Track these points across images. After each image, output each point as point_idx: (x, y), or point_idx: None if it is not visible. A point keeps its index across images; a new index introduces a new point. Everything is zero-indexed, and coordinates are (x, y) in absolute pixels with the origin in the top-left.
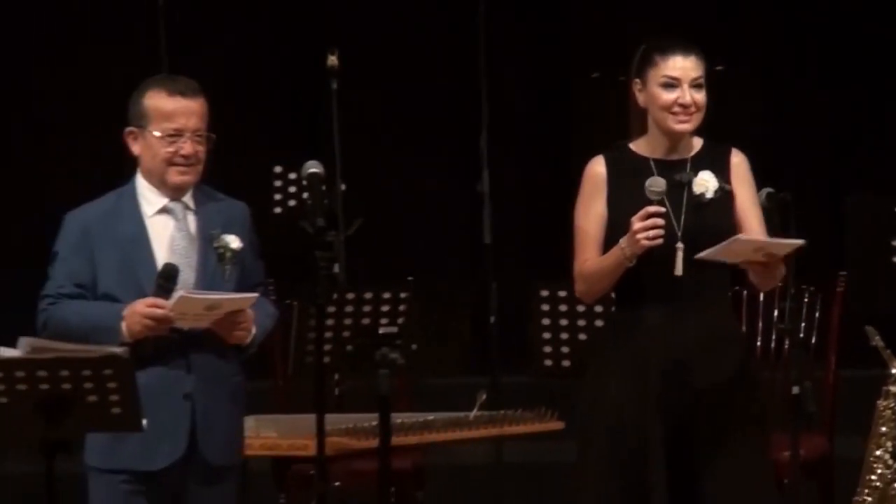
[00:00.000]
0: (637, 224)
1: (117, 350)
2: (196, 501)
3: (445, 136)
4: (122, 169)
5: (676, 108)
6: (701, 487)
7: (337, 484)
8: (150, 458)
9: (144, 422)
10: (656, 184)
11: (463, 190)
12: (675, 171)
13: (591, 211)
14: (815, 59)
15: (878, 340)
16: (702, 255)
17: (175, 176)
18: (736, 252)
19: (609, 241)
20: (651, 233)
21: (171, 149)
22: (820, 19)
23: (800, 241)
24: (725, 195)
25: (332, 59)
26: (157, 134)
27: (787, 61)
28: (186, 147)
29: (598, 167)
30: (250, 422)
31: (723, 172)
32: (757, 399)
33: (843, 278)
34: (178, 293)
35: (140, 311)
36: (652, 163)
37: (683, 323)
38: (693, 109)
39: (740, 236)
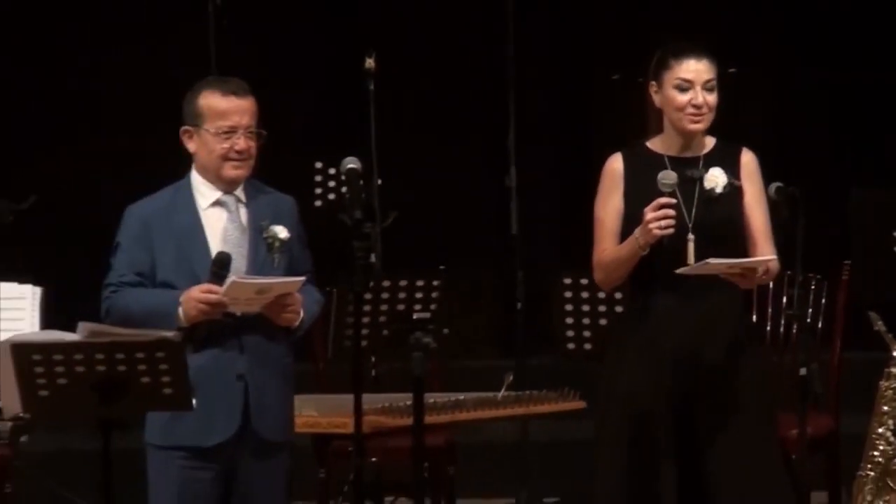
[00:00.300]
0: (650, 214)
1: (169, 334)
2: (248, 476)
3: (475, 135)
4: (178, 165)
5: (690, 109)
6: (706, 464)
7: (374, 460)
8: (205, 435)
9: (194, 401)
10: (668, 177)
11: (492, 184)
12: (688, 167)
13: (609, 204)
14: (820, 57)
15: (880, 325)
16: (679, 271)
17: (230, 170)
18: (711, 270)
19: (626, 233)
20: (663, 223)
21: (225, 145)
22: (823, 16)
23: (770, 258)
24: (734, 191)
25: (370, 63)
26: (212, 131)
27: (792, 60)
28: (240, 143)
29: (616, 164)
30: (296, 401)
31: (733, 170)
32: (759, 375)
33: (847, 267)
34: (231, 279)
35: (195, 296)
36: (666, 160)
37: (693, 309)
38: (705, 110)
39: (710, 260)
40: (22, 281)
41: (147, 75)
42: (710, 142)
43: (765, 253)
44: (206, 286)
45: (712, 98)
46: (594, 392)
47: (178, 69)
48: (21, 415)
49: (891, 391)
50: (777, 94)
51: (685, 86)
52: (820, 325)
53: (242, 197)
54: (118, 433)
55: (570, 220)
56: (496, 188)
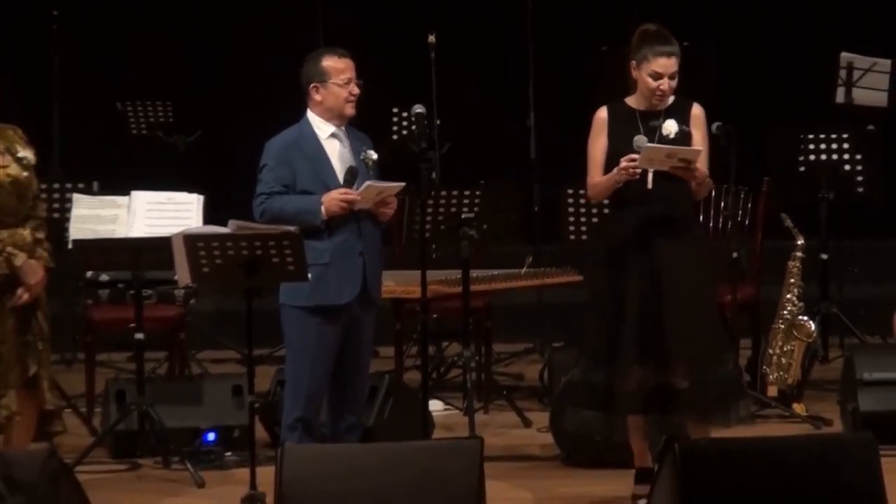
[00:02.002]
0: (623, 164)
1: (290, 228)
2: (360, 325)
3: (504, 89)
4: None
5: (658, 93)
6: (663, 318)
7: (434, 316)
8: (338, 296)
9: (326, 274)
10: (640, 140)
11: (516, 124)
12: (652, 119)
13: (597, 143)
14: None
15: (788, 221)
16: (635, 163)
17: (349, 109)
18: (652, 158)
19: (609, 164)
20: (631, 171)
21: (344, 92)
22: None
23: (699, 148)
24: (684, 135)
25: (431, 38)
26: (338, 82)
27: (736, 38)
28: (355, 89)
29: (602, 114)
30: None
31: (685, 120)
32: (703, 257)
33: (766, 182)
34: (365, 184)
35: (336, 196)
36: (637, 113)
37: (652, 218)
38: (668, 93)
39: (648, 144)
40: (190, 191)
41: (267, 54)
42: (670, 99)
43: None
44: (343, 189)
45: (674, 82)
46: (588, 269)
47: (287, 48)
48: (190, 284)
49: (796, 268)
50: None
51: (656, 76)
52: (747, 222)
53: (345, 132)
54: (256, 298)
55: (572, 149)
56: (520, 126)
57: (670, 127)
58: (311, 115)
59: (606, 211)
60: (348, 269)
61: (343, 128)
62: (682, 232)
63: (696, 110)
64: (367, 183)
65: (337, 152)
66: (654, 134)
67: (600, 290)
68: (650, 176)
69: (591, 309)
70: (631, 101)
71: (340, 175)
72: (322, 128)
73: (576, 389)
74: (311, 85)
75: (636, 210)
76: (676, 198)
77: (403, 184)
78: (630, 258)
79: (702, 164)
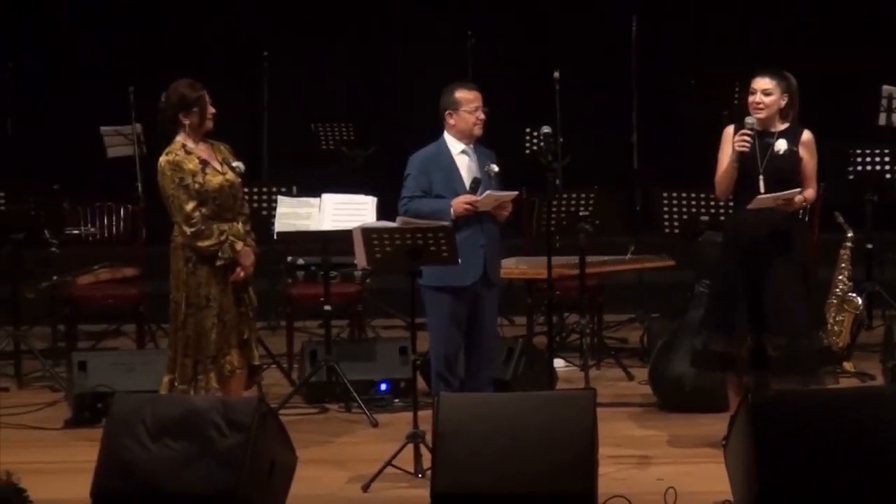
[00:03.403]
0: (735, 137)
1: (446, 223)
2: (484, 299)
3: (613, 111)
4: (433, 134)
5: (752, 105)
6: (768, 304)
7: (557, 292)
8: (465, 278)
9: (459, 260)
10: (749, 120)
11: (623, 140)
12: (768, 136)
13: (724, 153)
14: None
15: (840, 218)
16: (749, 206)
17: (477, 130)
18: (766, 202)
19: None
20: (741, 141)
21: (473, 117)
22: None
23: (796, 191)
24: (791, 153)
25: (556, 74)
26: (468, 110)
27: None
28: (481, 115)
29: (729, 130)
30: (512, 261)
31: (795, 141)
32: (803, 254)
33: (822, 186)
34: (486, 192)
35: (462, 200)
36: (756, 132)
37: (762, 219)
38: (763, 106)
39: (759, 196)
40: (366, 194)
41: (429, 85)
42: (784, 124)
43: (807, 190)
44: (468, 196)
45: (768, 99)
46: (678, 256)
47: (444, 80)
48: (366, 267)
49: (846, 255)
50: None
51: (752, 92)
52: (807, 219)
53: (473, 149)
54: (417, 278)
55: (666, 160)
56: (625, 142)
57: (781, 145)
58: (447, 135)
59: (694, 210)
60: (471, 258)
61: (472, 145)
62: (786, 227)
63: (806, 136)
64: (488, 192)
65: (466, 165)
66: (768, 150)
67: (720, 275)
68: (761, 180)
69: (711, 291)
70: (749, 118)
71: (467, 184)
72: (454, 145)
73: (700, 356)
74: (447, 111)
75: (750, 213)
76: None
77: (516, 192)
78: (743, 250)
79: (808, 184)
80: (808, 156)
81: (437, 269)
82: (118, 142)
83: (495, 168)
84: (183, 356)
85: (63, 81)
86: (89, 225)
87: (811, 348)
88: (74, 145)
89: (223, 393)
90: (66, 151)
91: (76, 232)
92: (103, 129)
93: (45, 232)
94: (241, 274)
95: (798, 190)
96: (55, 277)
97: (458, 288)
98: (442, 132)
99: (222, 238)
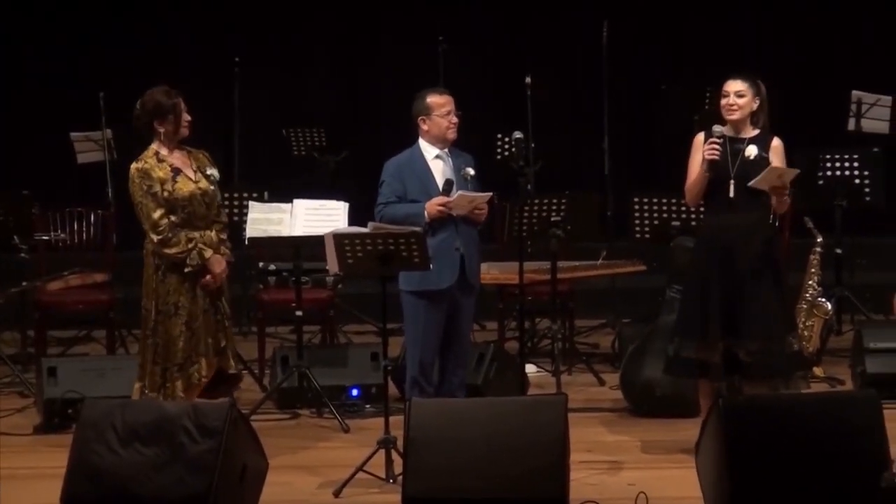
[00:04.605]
0: (704, 146)
1: (417, 229)
2: (461, 305)
3: (585, 118)
4: (405, 139)
5: (726, 107)
6: (742, 310)
7: (529, 298)
8: (440, 282)
9: (431, 265)
10: (717, 129)
11: (595, 146)
12: (738, 143)
13: (693, 160)
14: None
15: (810, 223)
16: (752, 182)
17: (451, 134)
18: (768, 179)
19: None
20: (711, 151)
21: (446, 121)
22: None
23: (797, 170)
24: (762, 159)
25: (528, 79)
26: (440, 114)
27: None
28: (454, 119)
29: (699, 137)
30: (484, 266)
31: (765, 148)
32: (774, 259)
33: (792, 192)
34: (458, 193)
35: (436, 202)
36: (727, 138)
37: (734, 224)
38: (736, 108)
39: (771, 166)
40: (338, 199)
41: (400, 91)
42: (755, 130)
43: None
44: (440, 198)
45: (741, 101)
46: (650, 261)
47: (415, 85)
48: (338, 272)
49: (816, 260)
50: None
51: (725, 94)
52: (777, 224)
53: (448, 153)
54: (389, 283)
55: (637, 166)
56: (597, 148)
57: (752, 150)
58: (421, 141)
59: (665, 215)
60: (447, 262)
61: (447, 150)
62: (758, 233)
63: (776, 142)
64: (460, 192)
65: (440, 170)
66: (738, 156)
67: (692, 281)
68: (731, 185)
69: (684, 297)
70: (724, 128)
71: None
72: (429, 151)
73: (673, 363)
74: (419, 117)
75: (719, 217)
76: (753, 205)
77: (491, 194)
78: (715, 255)
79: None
80: (778, 162)
81: (414, 273)
82: (88, 147)
83: (471, 171)
84: (152, 363)
85: (32, 86)
86: (59, 231)
87: (784, 353)
88: (44, 151)
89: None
90: (36, 157)
91: (46, 238)
92: (73, 134)
93: (15, 237)
94: (210, 280)
95: (793, 170)
96: (25, 283)
97: (434, 292)
98: (416, 139)
99: (190, 245)
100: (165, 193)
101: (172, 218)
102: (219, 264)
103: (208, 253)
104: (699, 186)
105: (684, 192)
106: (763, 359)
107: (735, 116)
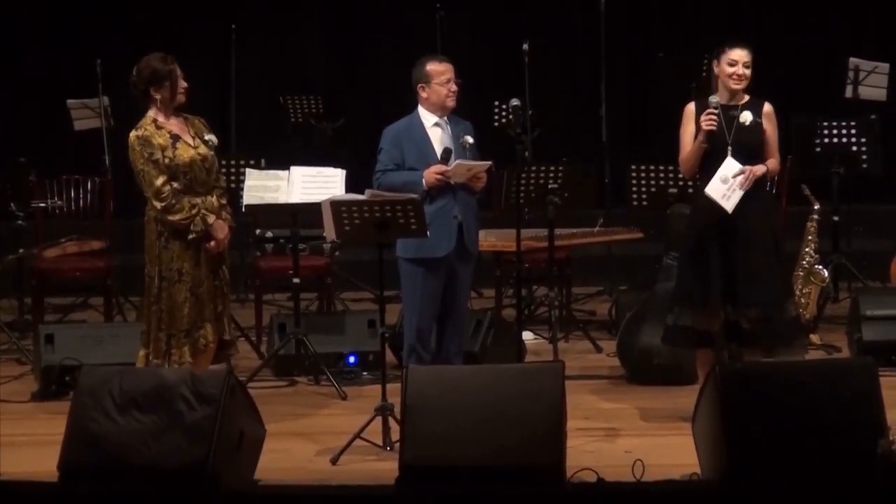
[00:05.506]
0: (702, 117)
1: (414, 196)
2: (458, 273)
3: (582, 85)
4: (402, 106)
5: (734, 77)
6: (739, 277)
7: (526, 265)
8: (438, 249)
9: (429, 232)
10: (713, 99)
11: (592, 113)
12: (732, 109)
13: (686, 130)
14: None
15: (807, 190)
16: (713, 116)
17: (450, 102)
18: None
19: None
20: (708, 120)
21: (445, 89)
22: None
23: (762, 167)
24: (756, 125)
25: (525, 46)
26: (439, 82)
27: (764, 43)
28: (454, 86)
29: (690, 107)
30: (481, 233)
31: (758, 114)
32: (771, 225)
33: (790, 159)
34: (456, 161)
35: (434, 170)
36: (720, 105)
37: None
38: (744, 78)
39: (458, 162)
40: (335, 166)
41: (398, 58)
42: (745, 96)
43: (771, 161)
44: (438, 166)
45: (748, 71)
46: (647, 228)
47: (413, 53)
48: (335, 240)
49: (813, 228)
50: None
51: (733, 63)
52: (774, 191)
53: (447, 121)
54: (386, 250)
55: (635, 133)
56: (594, 115)
57: (746, 116)
58: (421, 108)
59: (662, 182)
60: (445, 229)
61: (445, 117)
62: (754, 201)
63: (768, 108)
64: (458, 161)
65: (439, 137)
66: (732, 123)
67: (689, 250)
68: (729, 152)
69: (681, 267)
70: (713, 97)
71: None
72: (428, 118)
73: (671, 332)
74: (419, 85)
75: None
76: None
77: (490, 162)
78: (713, 223)
79: (773, 154)
80: (770, 127)
81: (411, 241)
82: (85, 115)
83: (470, 140)
84: (157, 330)
85: (29, 54)
86: (56, 198)
87: (784, 319)
88: (41, 118)
89: (196, 367)
90: (33, 124)
91: (43, 205)
92: (70, 101)
93: (12, 205)
94: (213, 245)
95: (766, 164)
96: (22, 250)
97: (432, 259)
98: (415, 106)
99: (193, 211)
100: (166, 160)
101: (174, 184)
102: (221, 230)
103: (211, 218)
104: (696, 158)
105: (679, 163)
106: (764, 325)
107: (741, 86)
